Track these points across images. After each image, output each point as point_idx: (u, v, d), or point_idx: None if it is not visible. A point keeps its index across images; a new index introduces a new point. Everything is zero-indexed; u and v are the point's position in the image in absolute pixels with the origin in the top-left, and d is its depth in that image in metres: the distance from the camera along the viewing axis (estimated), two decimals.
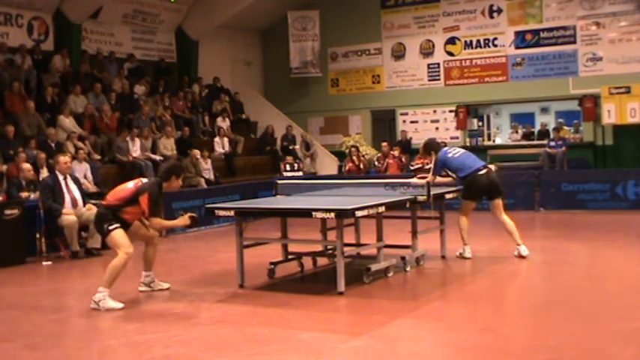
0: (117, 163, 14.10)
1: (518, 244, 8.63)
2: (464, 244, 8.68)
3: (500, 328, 5.58)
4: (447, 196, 8.67)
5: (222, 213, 7.61)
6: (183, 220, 6.97)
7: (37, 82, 14.73)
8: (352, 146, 17.79)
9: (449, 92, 19.25)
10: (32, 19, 15.64)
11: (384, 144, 16.87)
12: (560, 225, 10.38)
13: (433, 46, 19.47)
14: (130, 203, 6.83)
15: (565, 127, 18.63)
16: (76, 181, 10.49)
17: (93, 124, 14.71)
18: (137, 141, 14.59)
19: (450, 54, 19.28)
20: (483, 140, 20.04)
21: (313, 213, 6.69)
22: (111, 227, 6.80)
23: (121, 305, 6.65)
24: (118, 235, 6.80)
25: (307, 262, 8.38)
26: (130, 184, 6.99)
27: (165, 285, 7.47)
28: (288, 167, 16.71)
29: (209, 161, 15.41)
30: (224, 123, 17.93)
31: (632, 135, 16.94)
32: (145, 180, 7.10)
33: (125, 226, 6.88)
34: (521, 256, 8.53)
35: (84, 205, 10.16)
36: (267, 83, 21.93)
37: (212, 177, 15.18)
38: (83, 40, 16.61)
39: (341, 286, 6.80)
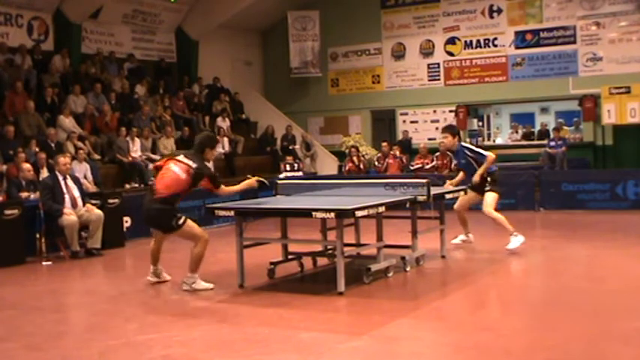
0: (117, 163, 14.10)
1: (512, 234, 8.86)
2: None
3: (500, 328, 5.58)
4: (447, 196, 8.68)
5: (222, 213, 7.61)
6: (251, 183, 7.49)
7: (37, 82, 14.74)
8: (352, 146, 17.79)
9: (449, 92, 19.26)
10: (32, 19, 15.64)
11: (384, 144, 16.89)
12: (560, 225, 10.38)
13: (433, 46, 19.48)
14: (187, 191, 7.14)
15: (565, 127, 18.64)
16: (76, 181, 10.49)
17: (93, 124, 14.72)
18: (137, 141, 14.60)
19: (450, 54, 19.28)
20: (483, 140, 20.06)
21: (313, 213, 6.69)
22: (180, 222, 7.05)
23: (211, 286, 7.16)
24: (190, 226, 7.12)
25: (307, 262, 8.38)
26: (179, 172, 7.08)
27: (168, 277, 7.83)
28: (288, 167, 16.71)
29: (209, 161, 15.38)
30: (224, 123, 17.94)
31: (632, 135, 16.94)
32: (185, 161, 7.12)
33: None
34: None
35: (84, 205, 10.16)
36: (267, 83, 21.94)
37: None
38: (83, 40, 16.61)
39: (341, 286, 6.80)
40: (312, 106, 20.93)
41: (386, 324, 5.81)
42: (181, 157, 7.24)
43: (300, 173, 16.57)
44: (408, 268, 7.92)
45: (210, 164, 7.98)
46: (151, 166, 7.67)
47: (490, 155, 8.98)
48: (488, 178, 8.98)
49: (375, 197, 7.46)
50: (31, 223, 9.87)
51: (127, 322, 6.33)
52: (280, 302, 6.71)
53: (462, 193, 9.09)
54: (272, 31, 21.55)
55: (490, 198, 8.97)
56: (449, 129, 9.43)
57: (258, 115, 20.14)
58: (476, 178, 8.88)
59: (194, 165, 7.13)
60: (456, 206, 9.44)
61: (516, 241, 8.86)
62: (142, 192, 11.25)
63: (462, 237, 9.70)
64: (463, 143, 9.41)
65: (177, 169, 7.11)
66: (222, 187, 7.39)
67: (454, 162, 9.51)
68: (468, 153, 9.10)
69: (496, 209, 9.00)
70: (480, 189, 9.06)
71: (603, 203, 13.21)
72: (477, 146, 9.13)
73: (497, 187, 9.01)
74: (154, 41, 18.61)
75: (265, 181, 7.50)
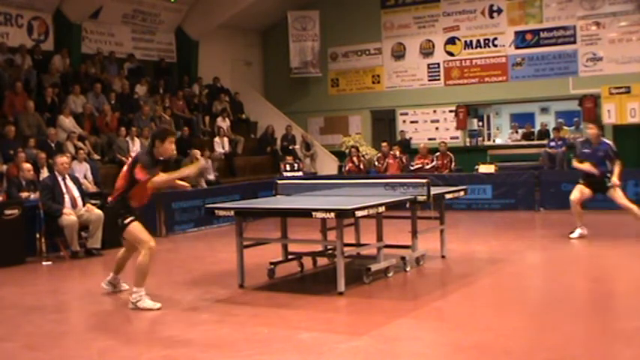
0: (117, 163, 14.08)
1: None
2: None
3: (500, 328, 5.58)
4: (447, 196, 8.68)
5: (222, 213, 7.62)
6: (189, 169, 7.15)
7: (37, 82, 14.73)
8: (352, 146, 17.78)
9: (449, 92, 19.25)
10: (32, 19, 15.63)
11: (384, 144, 16.88)
12: (560, 225, 10.37)
13: (433, 46, 19.47)
14: (132, 185, 6.64)
15: (565, 127, 18.63)
16: (76, 181, 10.49)
17: (93, 124, 14.72)
18: (137, 141, 14.59)
19: (450, 54, 19.28)
20: (483, 140, 20.06)
21: (313, 213, 6.69)
22: (126, 221, 6.62)
23: (158, 305, 6.50)
24: (135, 228, 6.63)
25: (307, 262, 8.38)
26: (124, 169, 6.84)
27: (125, 286, 7.30)
28: (288, 167, 16.71)
29: (209, 161, 15.41)
30: (224, 123, 17.93)
31: (632, 135, 16.92)
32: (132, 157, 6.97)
33: (137, 218, 6.70)
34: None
35: (83, 205, 10.16)
36: (267, 83, 21.93)
37: (212, 177, 15.18)
38: (83, 40, 16.61)
39: (341, 286, 6.80)
40: (312, 106, 20.93)
41: (386, 324, 5.81)
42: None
43: (300, 173, 16.57)
44: (408, 268, 7.92)
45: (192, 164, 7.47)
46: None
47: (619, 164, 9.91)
48: (607, 174, 9.88)
49: (375, 197, 7.46)
50: (31, 223, 9.87)
51: (127, 322, 6.34)
52: (280, 302, 6.71)
53: (461, 193, 9.09)
54: (272, 31, 21.55)
55: (618, 192, 9.88)
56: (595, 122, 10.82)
57: (258, 115, 20.13)
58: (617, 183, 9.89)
59: (134, 156, 6.81)
60: (572, 198, 10.09)
61: (578, 232, 9.80)
62: None
63: (579, 230, 10.08)
64: (607, 140, 10.25)
65: (124, 168, 6.84)
66: (156, 176, 6.65)
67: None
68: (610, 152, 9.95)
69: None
70: (598, 187, 9.92)
71: (603, 203, 13.15)
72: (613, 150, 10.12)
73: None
74: (154, 41, 18.60)
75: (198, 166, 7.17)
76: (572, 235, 9.95)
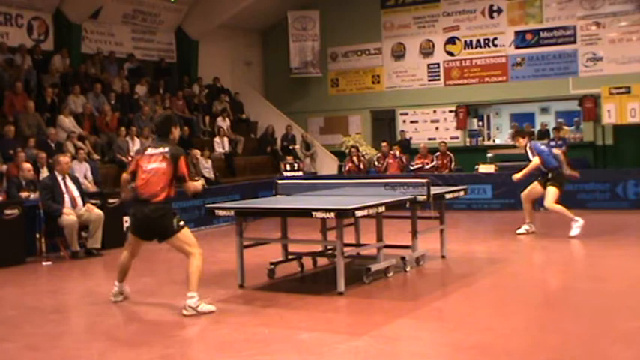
0: (117, 163, 14.09)
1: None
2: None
3: (500, 328, 5.58)
4: (447, 196, 8.68)
5: (222, 213, 7.62)
6: (199, 184, 6.93)
7: (37, 82, 14.73)
8: (352, 146, 17.78)
9: (449, 92, 19.25)
10: (32, 19, 15.63)
11: (384, 144, 16.88)
12: (560, 225, 10.37)
13: (433, 46, 19.47)
14: (172, 182, 6.44)
15: (565, 127, 18.62)
16: (76, 181, 10.49)
17: (93, 124, 14.71)
18: (137, 141, 14.59)
19: (450, 54, 19.28)
20: (483, 140, 20.05)
21: (313, 213, 6.69)
22: (181, 223, 6.46)
23: (214, 308, 6.34)
24: (188, 232, 6.50)
25: (307, 262, 8.38)
26: (157, 165, 6.39)
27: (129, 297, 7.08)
28: (288, 167, 16.70)
29: (209, 161, 15.41)
30: (224, 123, 17.93)
31: (632, 135, 16.93)
32: (156, 152, 6.47)
33: None
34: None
35: (84, 205, 10.16)
36: (267, 83, 21.93)
37: (212, 177, 15.18)
38: (83, 40, 16.60)
39: (341, 286, 6.80)
40: (312, 106, 20.93)
41: (386, 324, 5.81)
42: (149, 151, 6.52)
43: (300, 173, 16.57)
44: (408, 268, 7.92)
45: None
46: (124, 175, 6.98)
47: (535, 161, 10.06)
48: (549, 174, 10.07)
49: (375, 197, 7.46)
50: (31, 223, 9.87)
51: (127, 322, 6.34)
52: (280, 302, 6.71)
53: (461, 193, 9.08)
54: (272, 31, 21.55)
55: (551, 193, 9.97)
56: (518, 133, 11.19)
57: (258, 115, 20.13)
58: (516, 177, 10.34)
59: (166, 149, 6.44)
60: (522, 194, 10.57)
61: (576, 227, 9.81)
62: None
63: (525, 227, 10.43)
64: (530, 144, 10.39)
65: (154, 165, 6.39)
66: (189, 184, 6.58)
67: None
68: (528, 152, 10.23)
69: (557, 202, 9.99)
70: (543, 184, 10.18)
71: (603, 203, 13.21)
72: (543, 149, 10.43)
73: (557, 183, 10.06)
74: (154, 41, 18.60)
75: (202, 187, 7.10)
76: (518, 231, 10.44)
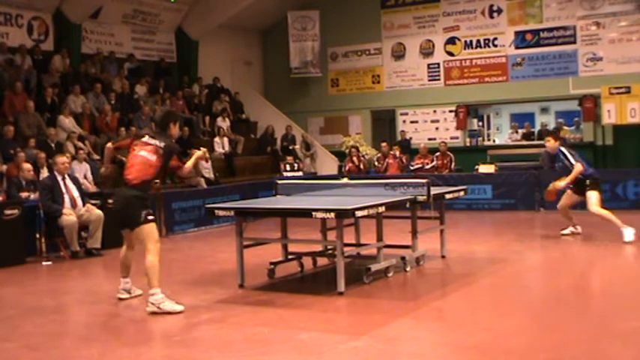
0: (117, 163, 14.07)
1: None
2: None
3: (500, 328, 5.58)
4: (447, 196, 8.68)
5: (222, 213, 7.61)
6: (198, 155, 7.03)
7: (37, 82, 14.73)
8: (352, 146, 17.79)
9: (449, 92, 19.25)
10: (32, 19, 15.64)
11: (384, 144, 16.89)
12: (560, 225, 10.37)
13: (433, 46, 19.47)
14: (160, 174, 6.64)
15: (565, 127, 18.62)
16: (75, 181, 10.49)
17: (93, 124, 14.72)
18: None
19: (450, 54, 19.28)
20: (483, 140, 20.05)
21: (313, 213, 6.69)
22: (150, 217, 6.43)
23: (181, 308, 6.33)
24: (153, 226, 6.45)
25: (307, 262, 8.38)
26: (148, 155, 6.45)
27: (139, 291, 7.06)
28: (288, 167, 16.70)
29: (209, 161, 15.41)
30: (224, 123, 17.93)
31: (632, 135, 16.93)
32: (152, 142, 6.51)
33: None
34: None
35: (83, 206, 10.16)
36: (267, 83, 21.93)
37: (212, 177, 15.18)
38: (83, 40, 16.61)
39: (341, 286, 6.80)
40: (312, 106, 20.93)
41: (386, 324, 5.81)
42: (146, 139, 6.56)
43: (300, 173, 16.57)
44: (408, 268, 7.92)
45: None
46: (109, 145, 7.18)
47: (578, 167, 9.59)
48: (587, 181, 9.63)
49: (375, 197, 7.46)
50: (31, 223, 9.87)
51: (127, 322, 6.34)
52: (280, 302, 6.71)
53: (461, 193, 9.09)
54: (272, 31, 21.55)
55: (593, 197, 9.55)
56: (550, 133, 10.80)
57: (258, 115, 20.13)
58: (559, 185, 9.87)
59: (162, 144, 6.49)
60: (558, 205, 10.22)
61: (628, 232, 9.31)
62: None
63: (570, 228, 10.18)
64: (562, 148, 9.96)
65: (145, 153, 6.46)
66: (185, 165, 6.79)
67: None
68: (562, 158, 9.77)
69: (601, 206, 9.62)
70: (579, 190, 9.74)
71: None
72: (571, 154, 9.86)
73: (597, 187, 9.67)
74: (154, 41, 18.61)
75: (205, 154, 7.17)
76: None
